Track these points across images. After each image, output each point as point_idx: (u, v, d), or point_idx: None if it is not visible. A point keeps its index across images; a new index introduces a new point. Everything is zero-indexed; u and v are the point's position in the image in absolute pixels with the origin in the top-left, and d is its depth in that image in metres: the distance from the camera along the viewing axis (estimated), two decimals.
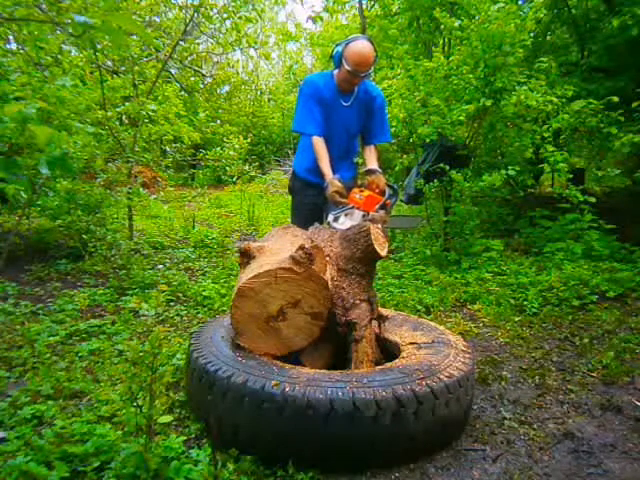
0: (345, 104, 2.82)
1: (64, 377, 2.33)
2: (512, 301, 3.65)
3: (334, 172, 2.63)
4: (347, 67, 2.64)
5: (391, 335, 2.34)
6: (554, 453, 1.91)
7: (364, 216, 2.41)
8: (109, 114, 4.95)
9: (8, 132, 3.44)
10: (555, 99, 4.61)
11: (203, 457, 1.69)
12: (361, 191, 2.51)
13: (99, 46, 5.32)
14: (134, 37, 5.78)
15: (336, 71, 2.78)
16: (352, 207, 2.47)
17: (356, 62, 2.62)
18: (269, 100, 17.17)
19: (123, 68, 8.69)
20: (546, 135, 4.81)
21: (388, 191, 2.61)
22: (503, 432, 2.05)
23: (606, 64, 6.07)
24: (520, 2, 6.51)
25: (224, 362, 1.88)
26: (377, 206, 2.47)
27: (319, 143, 2.71)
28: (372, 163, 2.82)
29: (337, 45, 2.78)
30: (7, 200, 4.81)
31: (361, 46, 2.64)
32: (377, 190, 2.59)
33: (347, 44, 2.67)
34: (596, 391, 2.42)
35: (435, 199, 5.32)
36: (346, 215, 2.47)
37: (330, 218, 2.52)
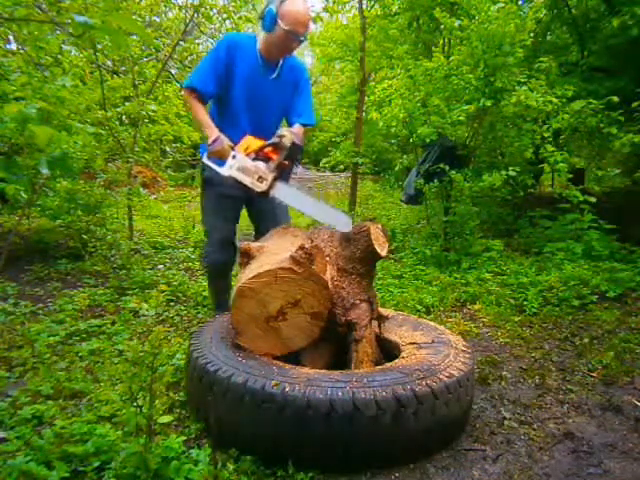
0: (270, 77, 2.48)
1: (64, 377, 2.32)
2: (512, 301, 3.65)
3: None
4: (284, 27, 2.28)
5: (391, 335, 2.34)
6: (554, 453, 1.90)
7: (233, 157, 2.24)
8: (109, 114, 4.95)
9: (8, 132, 3.44)
10: (555, 99, 4.61)
11: (203, 457, 1.69)
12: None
13: (99, 46, 5.31)
14: (134, 37, 5.77)
15: (262, 35, 2.41)
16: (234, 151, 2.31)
17: (294, 22, 2.27)
18: None
19: (123, 68, 8.67)
20: (546, 135, 4.81)
21: (272, 140, 2.27)
22: (503, 432, 2.04)
23: (606, 64, 6.08)
24: (520, 2, 6.52)
25: (224, 362, 1.88)
26: (252, 153, 2.27)
27: (196, 98, 2.40)
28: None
29: (269, 3, 2.34)
30: (7, 200, 4.82)
31: (299, 4, 2.29)
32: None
33: (282, 2, 2.28)
34: (596, 391, 2.42)
35: (435, 199, 5.32)
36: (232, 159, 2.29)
37: (204, 157, 2.39)
